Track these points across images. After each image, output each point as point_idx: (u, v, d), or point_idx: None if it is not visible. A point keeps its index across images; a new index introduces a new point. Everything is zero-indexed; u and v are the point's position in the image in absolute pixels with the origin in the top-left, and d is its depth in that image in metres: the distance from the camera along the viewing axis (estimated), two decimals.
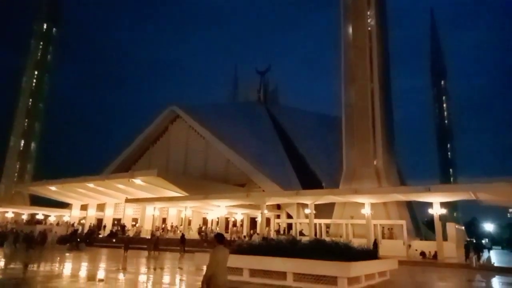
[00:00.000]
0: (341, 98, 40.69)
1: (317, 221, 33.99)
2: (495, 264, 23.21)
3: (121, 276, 15.10)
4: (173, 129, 58.24)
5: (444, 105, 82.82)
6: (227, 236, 34.92)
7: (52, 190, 46.76)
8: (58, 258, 21.75)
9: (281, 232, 39.02)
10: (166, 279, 14.91)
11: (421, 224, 39.28)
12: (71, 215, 52.39)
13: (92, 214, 50.88)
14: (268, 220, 40.62)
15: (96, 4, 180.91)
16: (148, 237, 34.94)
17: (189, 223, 42.21)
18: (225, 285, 6.33)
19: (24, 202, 60.85)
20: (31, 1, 77.07)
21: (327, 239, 16.49)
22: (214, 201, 34.70)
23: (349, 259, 11.47)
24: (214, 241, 6.94)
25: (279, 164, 47.96)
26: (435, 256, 24.69)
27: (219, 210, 36.57)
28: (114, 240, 36.16)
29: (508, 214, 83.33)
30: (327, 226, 35.90)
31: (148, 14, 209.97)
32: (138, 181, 36.91)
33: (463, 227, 38.44)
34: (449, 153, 79.72)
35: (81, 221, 50.45)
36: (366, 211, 28.69)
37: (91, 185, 41.39)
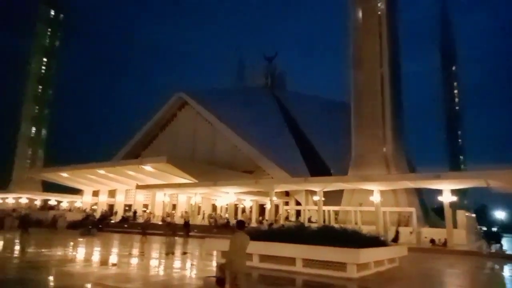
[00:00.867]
0: (350, 83, 40.30)
1: (325, 208, 34.10)
2: (507, 252, 23.13)
3: (135, 260, 15.42)
4: (181, 115, 58.43)
5: (455, 90, 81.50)
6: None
7: (64, 176, 47.57)
8: (71, 242, 22.24)
9: (290, 218, 39.28)
10: (177, 263, 15.18)
11: (430, 211, 39.15)
12: (83, 201, 53.43)
13: (103, 200, 51.78)
14: (276, 207, 40.88)
15: None
16: (159, 222, 35.54)
17: (199, 210, 42.71)
18: (243, 270, 6.42)
19: (36, 188, 62.04)
20: None
21: (336, 226, 16.60)
22: (223, 188, 34.96)
23: (358, 245, 11.53)
24: (234, 227, 7.07)
25: (287, 151, 47.94)
26: (444, 243, 24.67)
27: (228, 197, 36.87)
28: (125, 226, 36.81)
29: None
30: (336, 213, 36.01)
31: (153, 1, 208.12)
32: (148, 167, 37.30)
33: (473, 215, 38.20)
34: (459, 139, 78.81)
35: (93, 207, 51.37)
36: (375, 198, 28.67)
37: (101, 171, 41.99)
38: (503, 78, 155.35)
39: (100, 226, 33.53)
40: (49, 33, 74.00)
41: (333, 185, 31.27)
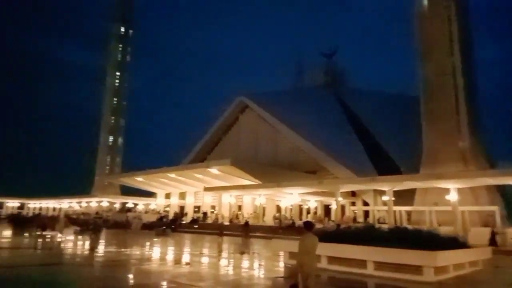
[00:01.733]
0: (417, 75, 37.93)
1: (396, 208, 32.45)
2: None
3: (206, 259, 16.06)
4: (243, 119, 59.62)
5: None
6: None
7: (139, 180, 51.18)
8: (148, 242, 23.79)
9: (358, 220, 38.03)
10: (246, 263, 15.48)
11: None
12: (157, 203, 57.00)
13: (175, 202, 54.74)
14: (342, 208, 39.85)
15: (159, 5, 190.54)
16: (227, 223, 36.62)
17: (264, 211, 43.19)
18: (314, 271, 6.37)
19: (115, 192, 67.54)
20: (105, 4, 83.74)
21: (409, 227, 15.71)
22: (287, 189, 34.95)
23: (435, 247, 10.80)
24: (302, 228, 7.03)
25: (351, 150, 46.51)
26: None
27: (292, 198, 36.78)
28: (195, 226, 38.50)
29: None
30: (408, 213, 34.08)
31: (206, 11, 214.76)
32: (213, 170, 38.64)
33: None
34: None
35: (166, 209, 54.55)
36: (452, 197, 26.58)
37: (172, 175, 44.47)
38: None
39: (173, 226, 35.46)
40: (120, 49, 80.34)
41: (404, 184, 29.61)
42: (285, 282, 10.55)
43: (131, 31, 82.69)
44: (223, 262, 15.87)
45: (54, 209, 74.29)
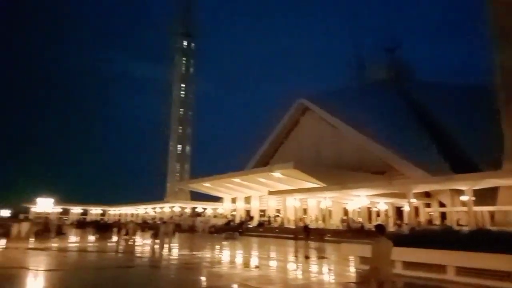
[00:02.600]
0: (492, 63, 34.54)
1: (477, 208, 29.73)
2: None
3: (274, 263, 16.12)
4: (304, 121, 59.13)
5: None
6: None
7: (206, 186, 53.20)
8: (217, 246, 24.54)
9: (434, 222, 35.54)
10: (314, 268, 15.24)
11: None
12: (224, 208, 58.71)
13: (241, 206, 55.91)
14: (416, 209, 37.54)
15: (217, 15, 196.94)
16: (292, 227, 36.45)
17: (330, 214, 42.29)
18: (389, 278, 6.08)
19: (186, 197, 70.95)
20: (168, 20, 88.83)
21: (493, 228, 14.28)
22: (353, 191, 33.86)
23: None
24: (373, 232, 6.75)
25: (421, 147, 43.68)
26: None
27: (360, 200, 35.52)
28: (261, 230, 38.91)
29: None
30: (492, 214, 31.05)
31: (263, 14, 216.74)
32: (276, 174, 38.79)
33: None
34: None
35: (232, 213, 55.95)
36: None
37: (236, 180, 45.53)
38: None
39: (240, 230, 36.21)
40: (184, 62, 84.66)
41: (484, 182, 27.07)
42: None
43: (193, 44, 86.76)
44: (291, 266, 15.79)
45: (132, 215, 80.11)
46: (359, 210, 38.58)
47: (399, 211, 41.11)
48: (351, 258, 14.86)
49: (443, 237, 11.92)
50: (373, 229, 7.07)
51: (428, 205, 39.94)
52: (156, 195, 77.69)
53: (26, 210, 71.95)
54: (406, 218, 35.84)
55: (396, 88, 60.57)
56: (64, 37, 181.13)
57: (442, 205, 38.50)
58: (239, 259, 18.08)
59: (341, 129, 50.50)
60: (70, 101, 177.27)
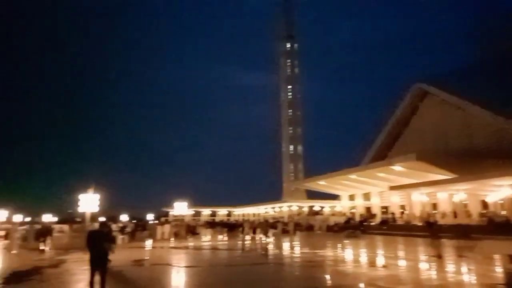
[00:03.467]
0: None
1: None
2: None
3: (403, 262, 15.11)
4: (424, 107, 53.96)
5: None
6: None
7: (321, 184, 52.88)
8: (339, 244, 24.13)
9: None
10: (451, 267, 13.75)
11: None
12: (342, 205, 57.50)
13: (360, 203, 53.96)
14: None
15: (315, 11, 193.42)
16: (419, 224, 33.56)
17: (465, 208, 37.61)
18: None
19: (302, 196, 71.73)
20: (269, 25, 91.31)
21: None
22: (494, 180, 29.46)
23: None
24: None
25: None
26: None
27: (503, 191, 30.72)
28: (384, 228, 36.82)
29: None
30: None
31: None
32: (397, 167, 36.29)
33: None
34: None
35: (351, 210, 54.36)
36: None
37: (353, 176, 44.07)
38: None
39: (361, 228, 34.93)
40: (289, 64, 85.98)
41: None
42: None
43: (296, 45, 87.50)
44: (423, 265, 14.56)
45: (254, 214, 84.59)
46: (502, 202, 33.35)
47: None
48: (496, 256, 12.96)
49: None
50: None
51: None
52: (274, 195, 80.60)
53: (166, 214, 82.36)
54: None
55: None
56: (174, 55, 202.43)
57: None
58: (363, 258, 17.46)
59: (470, 111, 44.48)
60: (191, 116, 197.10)
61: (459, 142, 46.07)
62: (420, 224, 33.53)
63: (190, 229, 35.14)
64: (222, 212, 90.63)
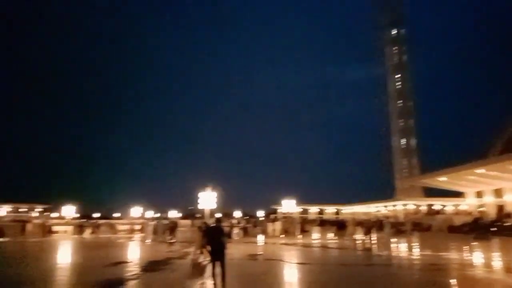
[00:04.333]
0: None
1: None
2: None
3: None
4: None
5: None
6: None
7: (441, 180, 47.90)
8: (465, 247, 21.57)
9: None
10: None
11: None
12: (468, 203, 51.33)
13: (489, 201, 47.36)
14: None
15: None
16: None
17: None
18: None
19: (418, 194, 66.11)
20: (372, 14, 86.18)
21: None
22: None
23: None
24: None
25: None
26: None
27: None
28: None
29: None
30: None
31: None
32: None
33: None
34: None
35: (480, 209, 48.05)
36: None
37: (480, 170, 38.92)
38: None
39: (493, 229, 30.62)
40: (395, 51, 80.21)
41: None
42: None
43: (402, 30, 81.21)
44: None
45: (364, 213, 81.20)
46: None
47: None
48: None
49: None
50: None
51: None
52: (386, 194, 75.88)
53: (274, 211, 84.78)
54: None
55: None
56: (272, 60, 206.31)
57: None
58: (497, 263, 15.28)
59: None
60: (297, 116, 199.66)
61: None
62: None
63: (300, 227, 35.47)
64: (330, 210, 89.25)
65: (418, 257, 17.66)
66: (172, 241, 23.52)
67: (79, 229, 35.13)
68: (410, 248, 21.80)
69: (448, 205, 57.44)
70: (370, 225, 28.01)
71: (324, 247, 22.83)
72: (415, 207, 59.80)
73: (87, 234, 34.57)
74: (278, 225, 32.71)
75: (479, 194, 49.28)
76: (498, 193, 45.99)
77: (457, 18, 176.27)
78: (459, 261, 15.31)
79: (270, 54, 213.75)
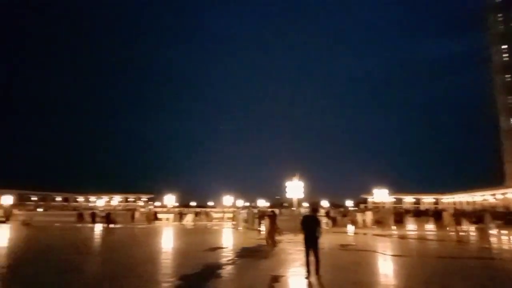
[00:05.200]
0: None
1: None
2: None
3: None
4: None
5: None
6: None
7: None
8: None
9: None
10: None
11: None
12: None
13: None
14: None
15: None
16: None
17: None
18: None
19: None
20: None
21: None
22: None
23: None
24: None
25: None
26: None
27: None
28: None
29: None
30: None
31: None
32: None
33: None
34: None
35: None
36: None
37: None
38: None
39: None
40: (500, 18, 70.38)
41: None
42: None
43: None
44: None
45: (467, 202, 73.72)
46: None
47: None
48: None
49: None
50: None
51: None
52: (493, 180, 67.59)
53: (365, 201, 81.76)
54: None
55: None
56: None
57: None
58: None
59: None
60: (382, 98, 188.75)
61: None
62: None
63: (395, 217, 33.68)
64: (427, 200, 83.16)
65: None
66: (261, 229, 24.29)
67: (179, 216, 38.32)
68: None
69: None
70: (473, 215, 25.36)
71: (421, 238, 21.37)
72: None
73: (189, 220, 37.51)
74: (369, 215, 31.50)
75: None
76: None
77: None
78: None
79: (354, 38, 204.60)
